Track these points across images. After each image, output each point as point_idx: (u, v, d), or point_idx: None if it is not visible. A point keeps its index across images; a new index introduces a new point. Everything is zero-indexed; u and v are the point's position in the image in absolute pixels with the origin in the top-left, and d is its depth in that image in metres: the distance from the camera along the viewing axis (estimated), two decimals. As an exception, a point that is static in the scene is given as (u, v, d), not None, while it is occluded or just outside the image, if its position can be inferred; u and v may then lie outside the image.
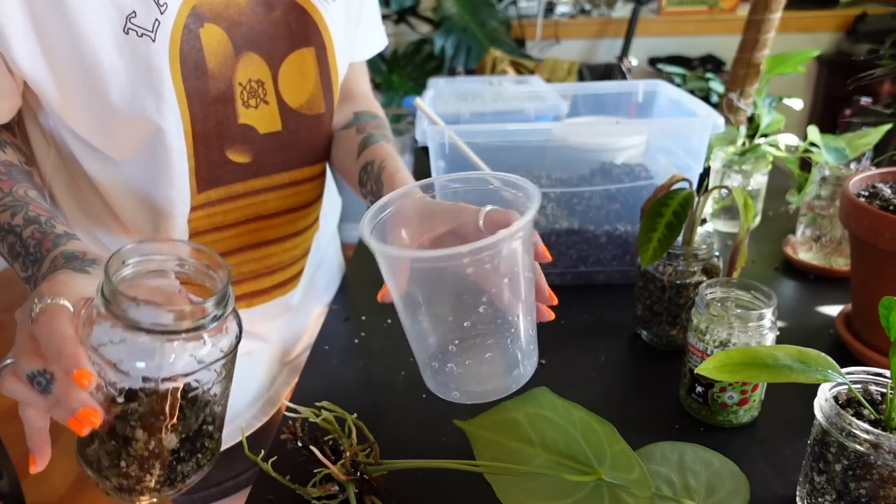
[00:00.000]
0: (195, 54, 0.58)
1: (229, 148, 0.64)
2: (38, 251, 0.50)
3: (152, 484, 0.44)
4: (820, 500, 0.50)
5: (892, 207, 0.67)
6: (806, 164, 1.05)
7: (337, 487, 0.54)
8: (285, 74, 0.65)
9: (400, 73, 2.83)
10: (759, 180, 1.06)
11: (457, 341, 0.50)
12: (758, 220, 1.10)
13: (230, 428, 0.79)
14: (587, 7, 2.93)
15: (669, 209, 0.71)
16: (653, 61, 2.83)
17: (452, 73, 2.13)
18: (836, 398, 0.51)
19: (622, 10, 2.86)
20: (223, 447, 0.79)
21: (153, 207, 0.63)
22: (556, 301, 0.53)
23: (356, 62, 0.81)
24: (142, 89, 0.56)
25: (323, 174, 0.75)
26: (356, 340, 0.82)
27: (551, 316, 0.53)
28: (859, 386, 0.51)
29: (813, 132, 0.96)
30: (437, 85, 1.31)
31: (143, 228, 0.65)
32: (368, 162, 0.71)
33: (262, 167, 0.67)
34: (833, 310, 0.84)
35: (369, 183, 0.70)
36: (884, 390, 0.51)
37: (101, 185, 0.63)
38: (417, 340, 0.51)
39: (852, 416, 0.47)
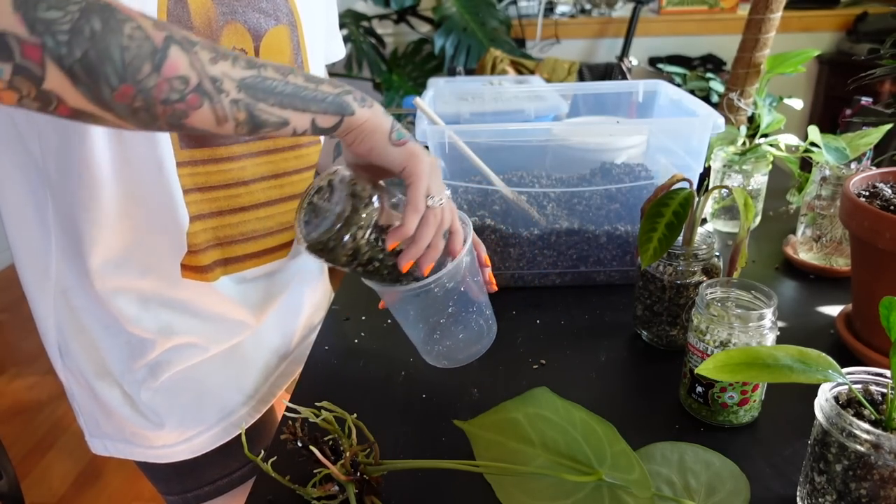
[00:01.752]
0: (180, 10, 0.61)
1: None
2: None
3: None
4: (820, 500, 0.50)
5: (892, 207, 0.67)
6: (806, 164, 1.05)
7: (337, 487, 0.54)
8: (266, 47, 0.69)
9: (400, 72, 2.83)
10: (760, 180, 1.06)
11: (438, 332, 0.69)
12: (758, 220, 1.10)
13: (224, 424, 0.79)
14: (587, 7, 2.93)
15: (669, 209, 0.71)
16: (653, 61, 2.83)
17: (452, 73, 2.13)
18: (836, 398, 0.51)
19: (622, 10, 2.86)
20: (217, 444, 0.80)
21: (144, 159, 0.65)
22: (495, 288, 0.73)
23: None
24: None
25: (295, 147, 0.77)
26: (356, 340, 0.82)
27: (495, 287, 0.72)
28: (860, 386, 0.51)
29: (813, 132, 0.96)
30: (437, 85, 1.32)
31: (137, 186, 0.66)
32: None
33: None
34: (833, 310, 0.84)
35: None
36: (884, 390, 0.51)
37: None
38: (412, 334, 0.71)
39: (853, 416, 0.47)
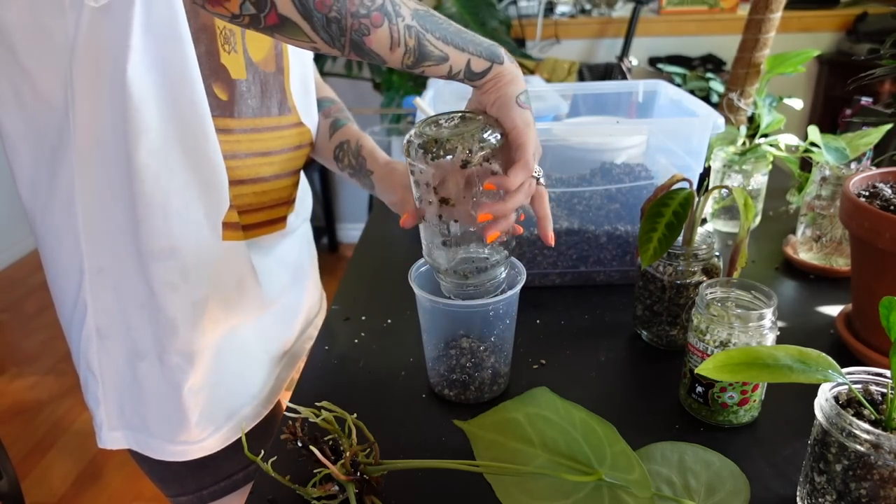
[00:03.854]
0: None
1: (215, 82, 0.69)
2: None
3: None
4: (820, 500, 0.50)
5: (892, 207, 0.67)
6: (806, 164, 1.05)
7: (337, 487, 0.54)
8: (251, 32, 0.71)
9: (400, 72, 2.83)
10: (760, 180, 1.06)
11: (455, 358, 0.69)
12: (758, 220, 1.10)
13: (239, 418, 0.80)
14: (587, 7, 2.93)
15: (669, 209, 0.71)
16: (653, 61, 2.83)
17: (452, 72, 2.12)
18: (836, 398, 0.51)
19: (622, 10, 2.85)
20: (230, 442, 0.80)
21: (187, 114, 0.66)
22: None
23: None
24: None
25: (276, 129, 0.79)
26: (356, 340, 0.82)
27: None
28: (860, 386, 0.51)
29: (813, 132, 0.96)
30: (437, 85, 1.31)
31: (181, 138, 0.67)
32: (343, 141, 0.87)
33: (235, 108, 0.72)
34: (833, 310, 0.84)
35: (346, 158, 0.86)
36: (884, 390, 0.51)
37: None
38: (429, 344, 0.71)
39: (853, 416, 0.47)
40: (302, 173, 0.88)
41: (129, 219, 0.69)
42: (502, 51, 0.61)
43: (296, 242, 0.90)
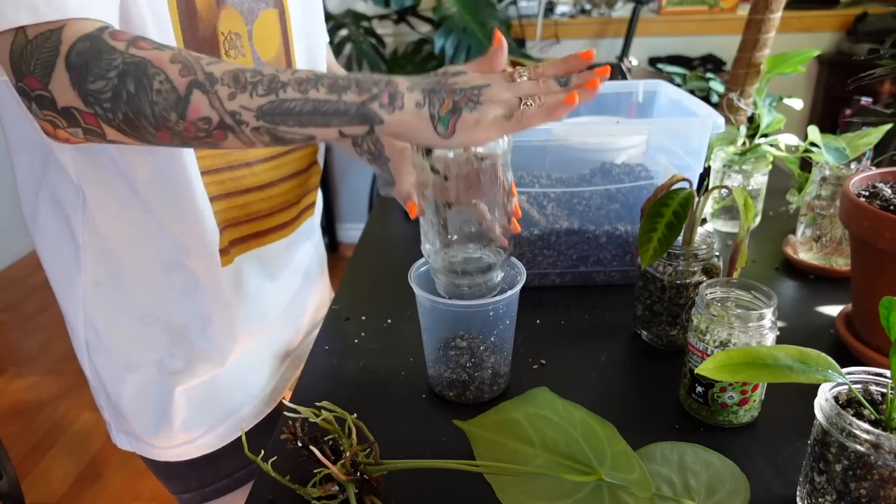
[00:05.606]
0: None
1: None
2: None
3: None
4: (820, 500, 0.50)
5: (892, 207, 0.67)
6: (806, 164, 1.05)
7: (337, 487, 0.54)
8: (258, 31, 0.71)
9: (400, 72, 2.82)
10: (760, 180, 1.06)
11: (454, 351, 0.69)
12: (758, 220, 1.10)
13: (237, 418, 0.80)
14: (587, 7, 2.93)
15: (669, 209, 0.71)
16: (653, 61, 2.83)
17: (452, 73, 2.12)
18: (836, 398, 0.51)
19: (622, 10, 2.85)
20: (229, 441, 0.80)
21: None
22: None
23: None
24: (149, 24, 0.60)
25: None
26: (356, 340, 0.82)
27: None
28: (860, 386, 0.51)
29: (813, 132, 0.96)
30: (437, 85, 1.31)
31: (162, 172, 0.67)
32: None
33: None
34: (833, 310, 0.84)
35: (366, 144, 0.83)
36: (884, 390, 0.51)
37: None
38: (428, 341, 0.70)
39: (852, 416, 0.47)
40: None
41: (136, 235, 0.70)
42: (377, 106, 0.51)
43: (310, 248, 0.90)
